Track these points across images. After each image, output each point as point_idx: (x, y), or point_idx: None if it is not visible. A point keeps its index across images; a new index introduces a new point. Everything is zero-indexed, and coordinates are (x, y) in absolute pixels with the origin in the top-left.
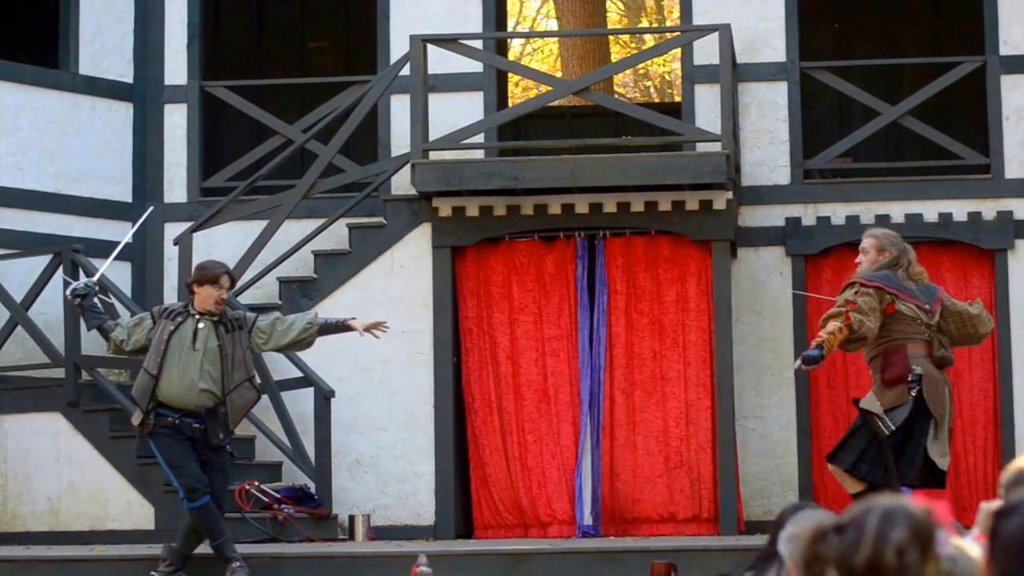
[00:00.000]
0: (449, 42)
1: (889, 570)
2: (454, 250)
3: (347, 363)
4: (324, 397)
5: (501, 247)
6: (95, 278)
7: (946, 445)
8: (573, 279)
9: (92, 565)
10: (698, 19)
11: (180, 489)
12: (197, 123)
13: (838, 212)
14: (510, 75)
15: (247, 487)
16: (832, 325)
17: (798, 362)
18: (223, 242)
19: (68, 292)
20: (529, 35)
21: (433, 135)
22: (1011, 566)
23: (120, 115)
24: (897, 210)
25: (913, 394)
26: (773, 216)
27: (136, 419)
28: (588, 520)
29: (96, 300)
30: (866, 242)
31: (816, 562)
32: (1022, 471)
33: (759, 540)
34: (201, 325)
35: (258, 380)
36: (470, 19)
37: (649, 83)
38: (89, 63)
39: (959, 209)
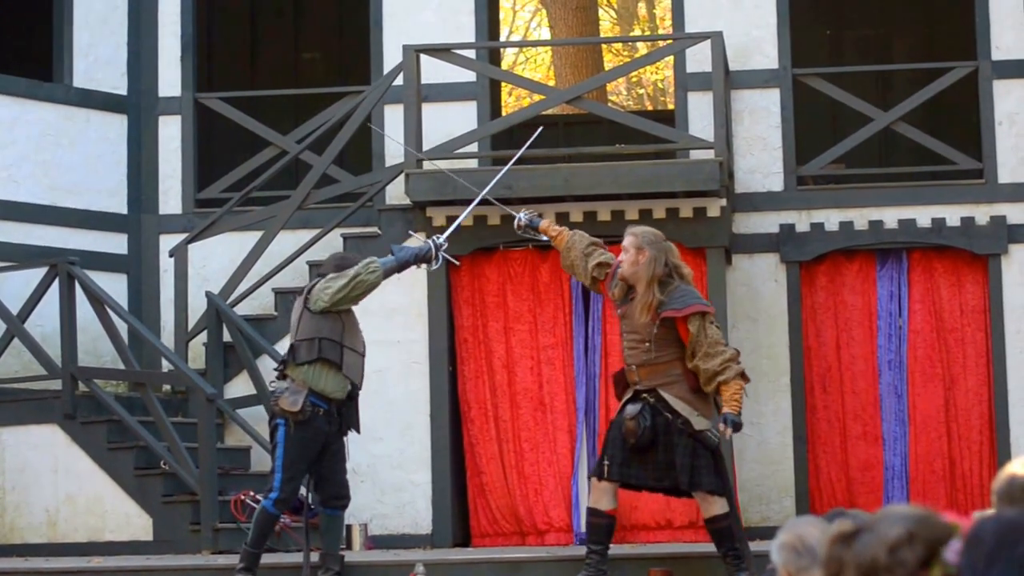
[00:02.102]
0: (442, 52)
1: (881, 571)
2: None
3: None
4: None
5: (496, 256)
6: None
7: None
8: (568, 288)
9: None
10: (690, 27)
11: (277, 492)
12: (191, 135)
13: (832, 218)
14: (503, 84)
15: (243, 497)
16: (737, 387)
17: (728, 430)
18: (218, 253)
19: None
20: (522, 44)
21: (427, 145)
22: None
23: (114, 127)
24: (890, 215)
25: None
26: (767, 223)
27: (293, 406)
28: (585, 527)
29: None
30: (626, 240)
31: (833, 563)
32: (1015, 478)
33: (757, 546)
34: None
35: None
36: (463, 29)
37: (642, 91)
38: (83, 76)
39: (952, 214)
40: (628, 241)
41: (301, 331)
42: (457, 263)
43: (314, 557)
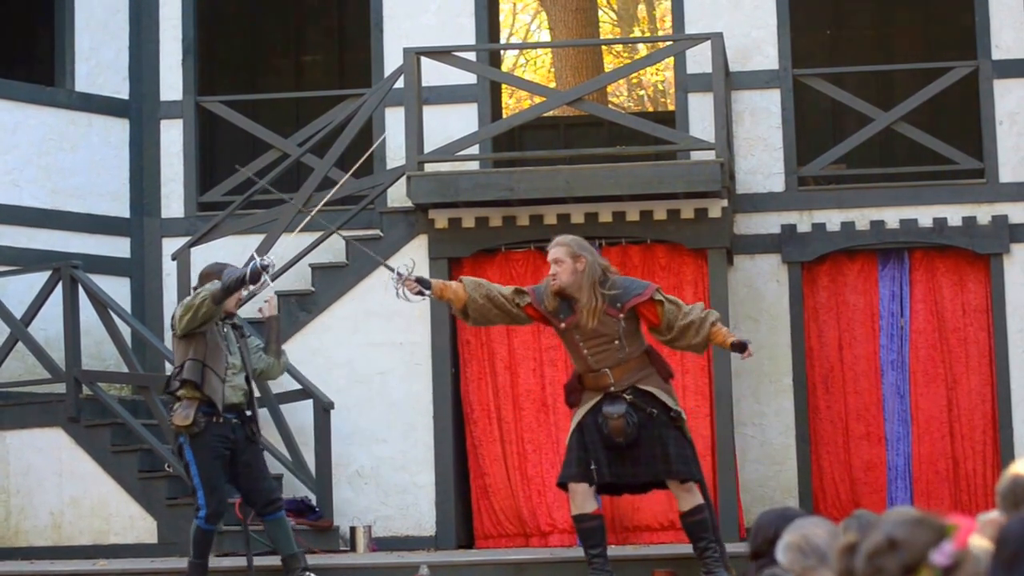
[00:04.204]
0: (443, 54)
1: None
2: (451, 261)
3: (345, 375)
4: (323, 409)
5: (497, 258)
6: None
7: None
8: None
9: None
10: (690, 28)
11: (204, 508)
12: (193, 138)
13: (833, 219)
14: (504, 86)
15: None
16: (722, 325)
17: (749, 347)
18: (221, 256)
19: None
20: (522, 46)
21: (428, 147)
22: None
23: (116, 131)
24: (891, 215)
25: None
26: (768, 223)
27: (185, 420)
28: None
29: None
30: (558, 252)
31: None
32: (1018, 479)
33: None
34: (226, 330)
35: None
36: (463, 31)
37: (643, 92)
38: (85, 80)
39: (954, 214)
40: (561, 252)
41: (176, 359)
42: (270, 282)
43: (312, 560)
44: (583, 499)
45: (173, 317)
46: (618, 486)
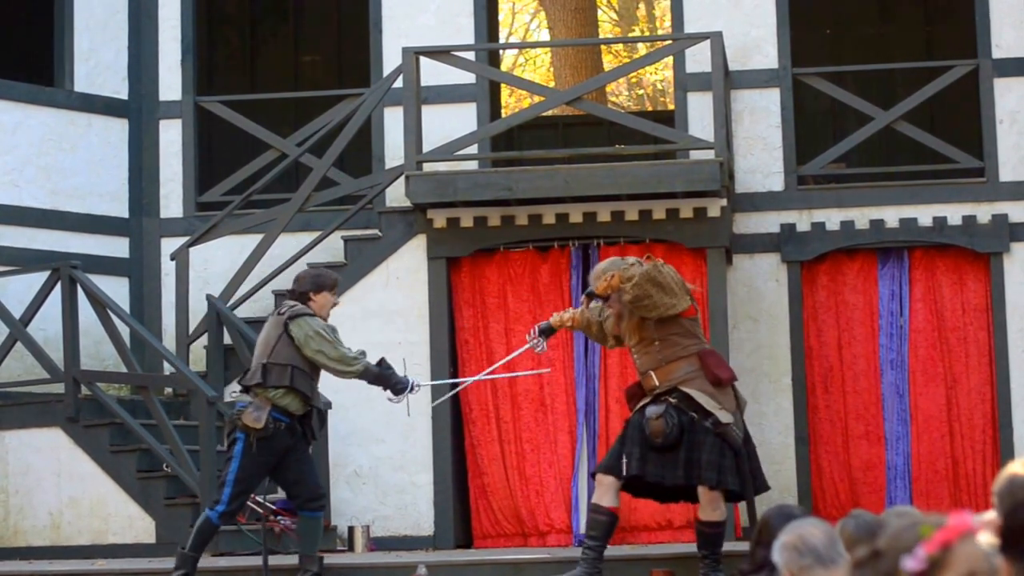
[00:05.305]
0: (442, 54)
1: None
2: (449, 261)
3: None
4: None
5: (496, 257)
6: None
7: None
8: (568, 289)
9: None
10: (690, 27)
11: (224, 505)
12: (192, 138)
13: (833, 218)
14: (503, 86)
15: None
16: (618, 279)
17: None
18: (219, 256)
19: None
20: (522, 46)
21: (427, 147)
22: None
23: (116, 131)
24: (891, 215)
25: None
26: (768, 223)
27: (257, 423)
28: (585, 529)
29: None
30: (597, 285)
31: None
32: (1016, 478)
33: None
34: None
35: None
36: (462, 31)
37: (642, 91)
38: (84, 80)
39: (954, 213)
40: (600, 285)
41: (276, 353)
42: (408, 415)
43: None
44: (604, 491)
45: (306, 335)
46: (648, 487)
